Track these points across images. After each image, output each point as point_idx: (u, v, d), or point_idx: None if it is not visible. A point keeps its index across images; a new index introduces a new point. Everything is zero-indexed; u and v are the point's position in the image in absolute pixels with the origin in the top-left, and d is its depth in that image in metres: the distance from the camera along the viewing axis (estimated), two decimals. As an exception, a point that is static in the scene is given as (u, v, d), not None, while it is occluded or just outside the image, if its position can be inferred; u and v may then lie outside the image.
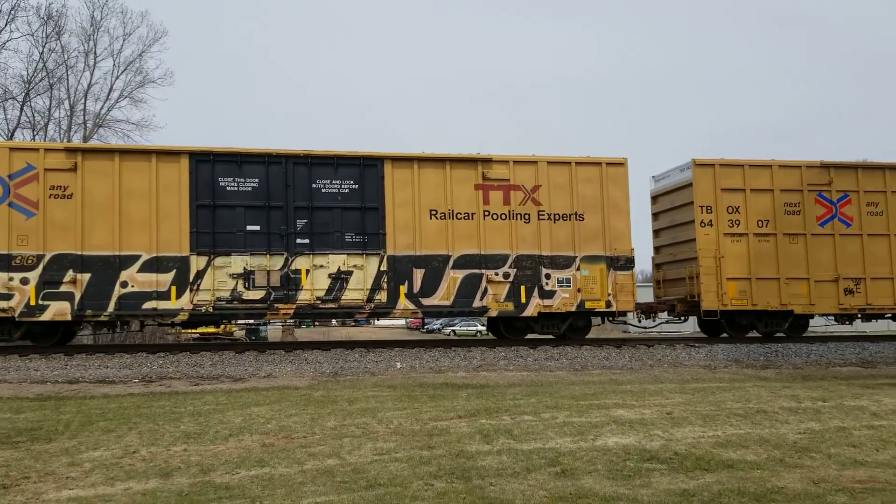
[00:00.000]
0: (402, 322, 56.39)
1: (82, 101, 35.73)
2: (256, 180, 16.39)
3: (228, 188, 16.29)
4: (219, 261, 16.08)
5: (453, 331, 44.94)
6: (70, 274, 15.49)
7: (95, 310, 15.59)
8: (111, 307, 15.63)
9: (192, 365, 15.23)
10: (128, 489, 6.12)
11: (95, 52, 35.80)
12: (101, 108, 36.09)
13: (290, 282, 16.36)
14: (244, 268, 16.19)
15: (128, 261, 15.74)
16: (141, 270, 15.77)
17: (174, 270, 15.88)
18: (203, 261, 16.04)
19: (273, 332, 39.59)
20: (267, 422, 9.05)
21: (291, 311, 16.46)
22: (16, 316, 15.35)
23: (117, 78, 36.35)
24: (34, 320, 15.57)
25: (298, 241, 16.47)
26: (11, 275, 15.31)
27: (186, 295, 15.89)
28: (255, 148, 16.52)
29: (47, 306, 15.43)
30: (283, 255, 16.37)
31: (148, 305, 15.79)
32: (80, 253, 15.55)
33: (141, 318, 16.34)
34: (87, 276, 15.57)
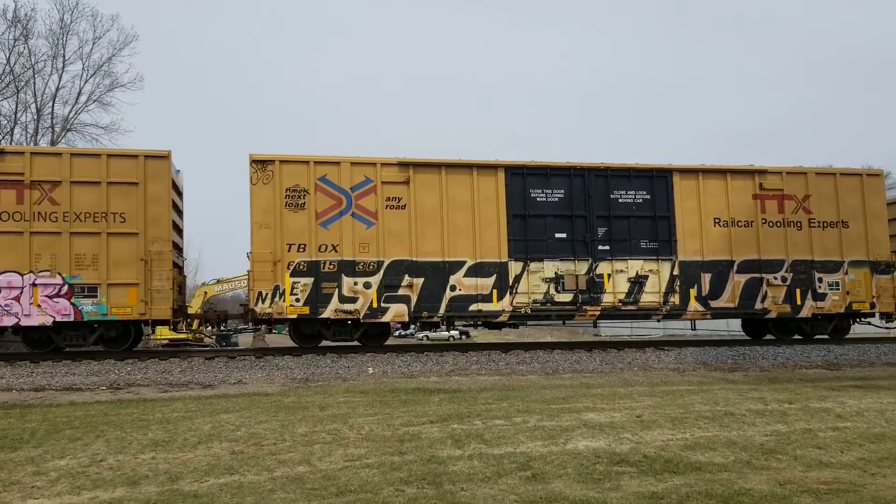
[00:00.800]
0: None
1: (50, 104, 35.25)
2: (562, 191, 17.91)
3: (538, 199, 17.79)
4: (533, 266, 17.59)
5: (426, 335, 44.89)
6: (406, 278, 16.95)
7: (429, 311, 17.11)
8: (442, 309, 17.13)
9: (160, 372, 15.07)
10: (94, 498, 6.04)
11: (64, 56, 35.32)
12: (70, 112, 35.61)
13: (595, 285, 17.84)
14: (555, 272, 17.67)
15: (455, 266, 17.25)
16: (466, 275, 17.28)
17: (495, 275, 17.38)
18: (519, 266, 17.53)
19: (244, 338, 39.26)
20: (236, 429, 8.98)
21: (598, 313, 17.88)
22: (360, 318, 16.77)
23: (86, 82, 35.87)
24: (376, 321, 17.01)
25: (600, 247, 17.95)
26: (356, 279, 16.78)
27: (507, 297, 17.39)
28: (560, 162, 18.11)
29: (388, 308, 16.90)
30: (587, 260, 17.87)
31: (473, 307, 17.28)
32: (413, 259, 17.04)
33: (468, 319, 17.84)
34: (420, 280, 17.04)
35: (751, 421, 9.28)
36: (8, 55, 33.60)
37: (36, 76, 34.68)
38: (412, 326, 18.17)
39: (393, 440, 8.14)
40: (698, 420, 9.30)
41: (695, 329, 20.15)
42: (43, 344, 16.47)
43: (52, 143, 34.39)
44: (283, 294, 16.42)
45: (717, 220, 18.61)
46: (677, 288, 18.15)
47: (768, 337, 20.26)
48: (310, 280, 16.52)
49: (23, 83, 34.19)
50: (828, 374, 15.77)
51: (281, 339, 42.79)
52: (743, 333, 22.11)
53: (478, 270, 17.24)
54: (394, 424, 9.11)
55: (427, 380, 14.50)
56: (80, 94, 35.76)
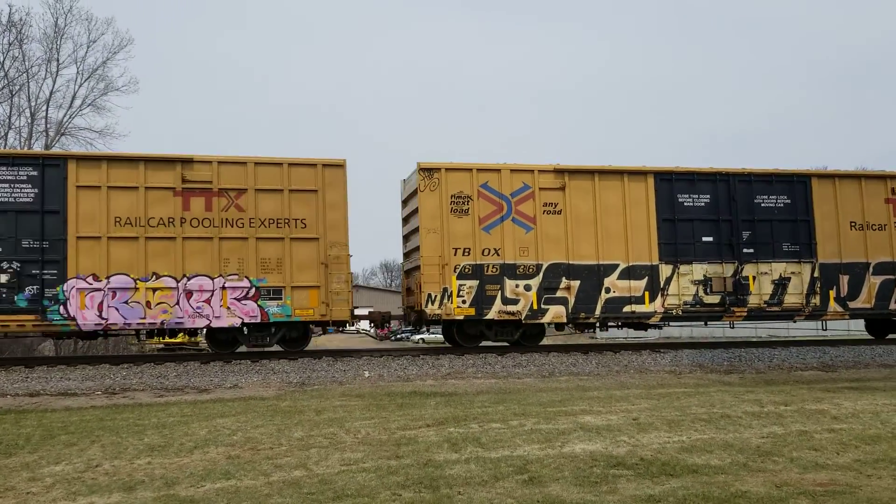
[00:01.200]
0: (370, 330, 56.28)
1: (44, 108, 35.17)
2: (708, 196, 18.53)
3: (685, 204, 18.41)
4: (682, 269, 18.19)
5: (422, 339, 44.88)
6: (564, 281, 17.61)
7: (586, 313, 17.72)
8: (598, 311, 17.75)
9: (156, 376, 15.03)
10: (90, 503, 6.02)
11: (58, 60, 35.25)
12: (64, 116, 35.55)
13: (741, 287, 18.38)
14: (703, 275, 18.27)
15: (609, 269, 17.85)
16: (619, 277, 17.86)
17: (646, 278, 17.97)
18: (669, 269, 18.14)
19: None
20: (233, 433, 8.96)
21: (745, 314, 18.46)
22: (522, 318, 17.38)
23: (80, 85, 35.82)
24: (536, 322, 17.67)
25: (745, 250, 18.52)
26: (517, 282, 17.41)
27: (658, 299, 17.98)
28: (706, 168, 18.77)
29: (547, 310, 17.52)
30: (733, 263, 18.43)
31: (627, 309, 17.87)
32: (569, 262, 17.66)
33: (622, 320, 18.32)
34: (576, 283, 17.66)
35: (747, 423, 9.29)
36: (2, 59, 33.57)
37: (30, 80, 34.66)
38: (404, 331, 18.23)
39: (389, 444, 8.13)
40: (695, 422, 9.31)
41: (825, 329, 20.69)
42: (228, 344, 17.10)
43: (47, 147, 34.31)
44: (450, 296, 17.12)
45: (853, 224, 19.20)
46: (818, 289, 18.76)
47: (890, 336, 20.76)
48: (475, 283, 17.25)
49: (17, 87, 34.15)
50: (823, 375, 15.81)
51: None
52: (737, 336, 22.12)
53: (630, 273, 17.89)
54: (390, 428, 9.10)
55: (423, 383, 14.50)
56: (74, 97, 35.71)
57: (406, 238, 19.63)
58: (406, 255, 19.67)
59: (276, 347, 17.10)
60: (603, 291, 17.71)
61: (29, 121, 34.75)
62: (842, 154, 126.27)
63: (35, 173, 15.50)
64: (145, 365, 15.83)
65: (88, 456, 7.79)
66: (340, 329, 17.84)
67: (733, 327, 20.14)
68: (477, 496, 6.00)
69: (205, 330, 16.90)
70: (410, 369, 15.91)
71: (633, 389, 13.15)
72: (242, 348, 17.12)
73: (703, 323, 19.35)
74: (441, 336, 44.93)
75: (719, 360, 17.61)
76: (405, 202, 19.49)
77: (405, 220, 19.63)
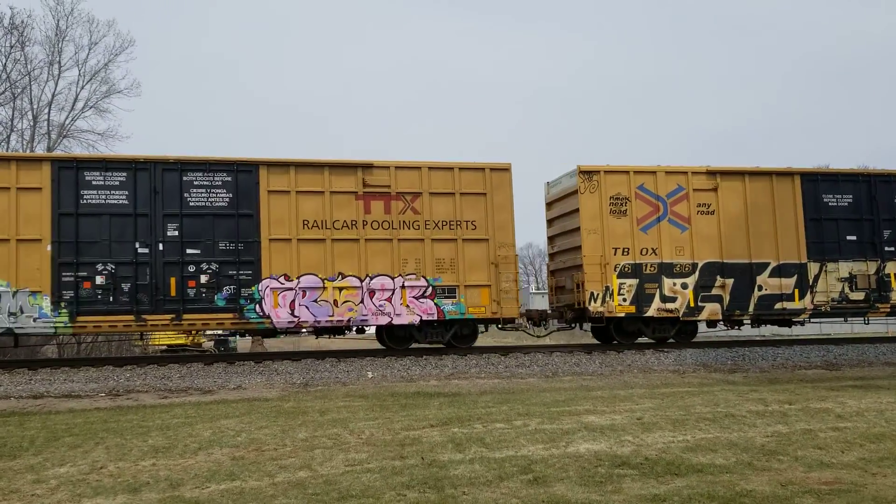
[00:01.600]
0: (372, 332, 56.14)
1: (46, 111, 35.19)
2: (850, 196, 19.24)
3: (830, 204, 19.14)
4: (829, 266, 18.89)
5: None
6: (718, 279, 18.23)
7: (741, 310, 18.34)
8: (751, 308, 18.37)
9: (160, 378, 15.03)
10: (95, 506, 6.02)
11: (60, 62, 35.25)
12: (66, 119, 35.55)
13: (883, 284, 19.20)
14: (849, 272, 18.98)
15: (760, 268, 18.50)
16: (770, 276, 18.53)
17: (795, 275, 18.64)
18: (816, 267, 18.86)
19: (242, 343, 39.16)
20: (237, 434, 8.96)
21: (888, 310, 19.27)
22: (679, 315, 18.03)
23: (82, 88, 35.77)
24: (693, 319, 18.37)
25: (886, 248, 19.30)
26: (674, 280, 18.06)
27: (808, 296, 18.67)
28: (849, 168, 20.06)
29: (703, 307, 18.19)
30: (875, 261, 19.20)
31: (778, 306, 18.53)
32: (723, 261, 18.32)
33: (774, 317, 18.92)
34: (730, 281, 18.29)
35: (751, 422, 9.28)
36: (4, 62, 33.60)
37: (32, 83, 34.67)
38: None
39: (394, 444, 8.13)
40: (699, 422, 9.30)
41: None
42: (404, 341, 17.86)
43: (49, 149, 34.35)
44: (611, 294, 17.78)
45: None
46: None
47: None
48: (634, 281, 17.91)
49: (19, 90, 34.17)
50: (827, 374, 15.79)
51: (279, 343, 42.74)
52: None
53: (781, 271, 18.57)
54: (394, 429, 9.10)
55: (427, 383, 14.49)
56: (76, 100, 35.71)
57: (552, 239, 20.25)
58: (552, 256, 20.35)
59: (279, 347, 17.07)
60: (756, 289, 18.39)
61: (31, 123, 34.78)
62: (831, 151, 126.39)
63: (229, 179, 16.41)
64: (149, 366, 15.84)
65: (93, 458, 7.79)
66: (506, 326, 18.32)
67: (868, 323, 21.04)
68: (482, 496, 6.00)
69: (376, 327, 17.87)
70: (414, 370, 15.91)
71: (636, 389, 13.14)
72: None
73: (843, 319, 20.68)
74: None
75: (723, 359, 17.59)
76: (550, 204, 20.20)
77: (551, 223, 20.22)
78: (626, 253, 17.91)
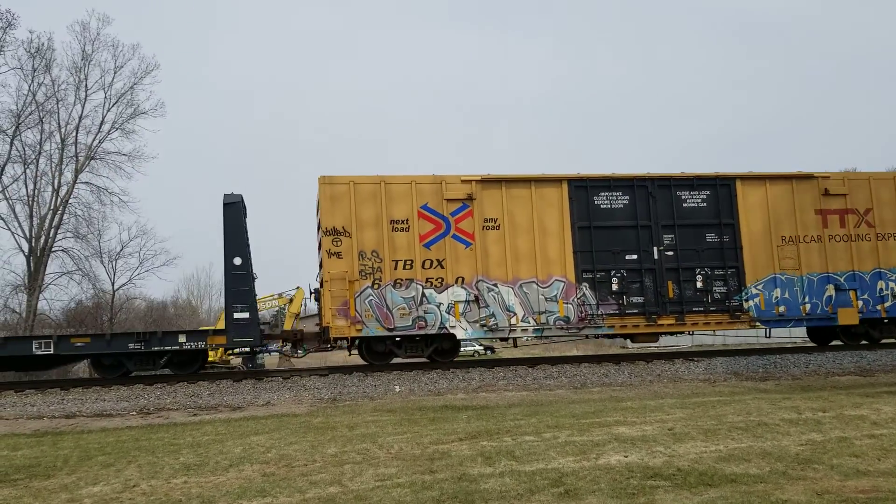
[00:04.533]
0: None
1: (73, 133, 35.79)
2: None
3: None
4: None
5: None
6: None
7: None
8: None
9: (189, 395, 15.16)
10: (129, 524, 6.07)
11: (87, 85, 35.92)
12: (93, 141, 36.14)
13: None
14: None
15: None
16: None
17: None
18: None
19: (270, 359, 39.34)
20: (267, 450, 9.00)
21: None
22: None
23: (108, 110, 36.46)
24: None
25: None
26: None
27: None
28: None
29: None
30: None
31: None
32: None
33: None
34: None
35: (785, 430, 9.15)
36: (30, 85, 34.23)
37: (59, 106, 35.31)
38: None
39: (423, 459, 8.11)
40: (731, 431, 9.18)
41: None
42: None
43: (76, 172, 34.90)
44: None
45: None
46: None
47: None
48: None
49: (45, 113, 34.80)
50: (861, 380, 15.53)
51: (308, 359, 42.83)
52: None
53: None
54: (423, 443, 9.09)
55: (454, 397, 14.46)
56: (102, 122, 36.33)
57: None
58: None
59: (306, 363, 17.14)
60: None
61: (59, 146, 35.40)
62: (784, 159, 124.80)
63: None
64: (178, 384, 15.98)
65: (126, 476, 7.86)
66: None
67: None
68: (513, 510, 5.96)
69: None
70: (441, 383, 15.89)
71: (667, 399, 13.01)
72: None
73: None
74: (473, 349, 44.67)
75: (754, 366, 17.37)
76: None
77: None
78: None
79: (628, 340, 18.86)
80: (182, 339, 16.77)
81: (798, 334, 24.82)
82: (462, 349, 45.38)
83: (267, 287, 61.74)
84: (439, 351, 17.75)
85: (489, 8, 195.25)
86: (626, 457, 7.83)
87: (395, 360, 17.86)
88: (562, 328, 17.46)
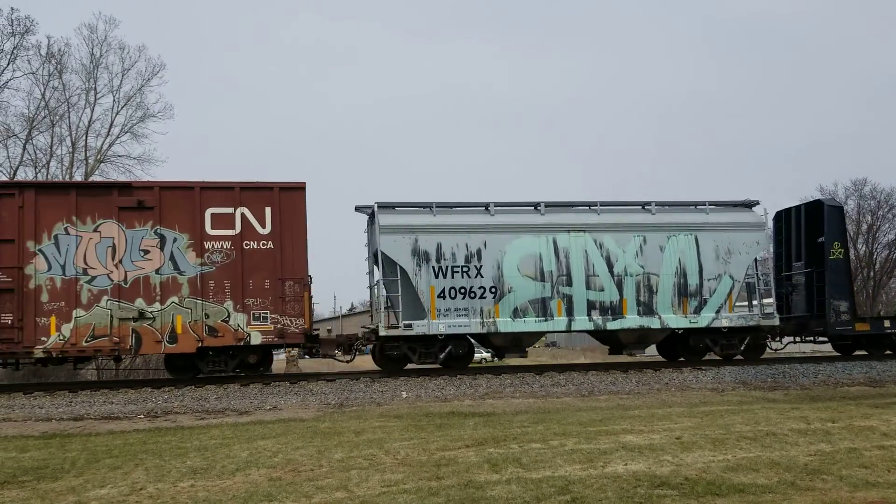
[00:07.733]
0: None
1: (83, 137, 35.96)
2: None
3: None
4: None
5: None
6: None
7: None
8: None
9: (197, 399, 15.18)
10: (135, 527, 6.08)
11: (96, 89, 36.07)
12: (103, 144, 36.31)
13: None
14: None
15: None
16: None
17: None
18: None
19: (277, 363, 39.30)
20: (273, 455, 9.00)
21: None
22: None
23: (117, 113, 36.58)
24: None
25: None
26: None
27: None
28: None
29: None
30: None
31: None
32: None
33: None
34: None
35: (793, 441, 9.10)
36: (43, 90, 34.44)
37: (70, 110, 35.49)
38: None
39: (429, 465, 8.09)
40: (739, 441, 9.13)
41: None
42: None
43: (86, 175, 35.05)
44: None
45: None
46: None
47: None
48: None
49: (57, 117, 35.00)
50: (870, 390, 15.44)
51: (315, 364, 42.84)
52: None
53: None
54: (430, 449, 9.07)
55: (461, 403, 14.44)
56: (112, 125, 36.48)
57: None
58: None
59: (313, 368, 17.12)
60: None
61: (70, 149, 35.59)
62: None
63: None
64: (186, 388, 16.01)
65: (133, 479, 7.87)
66: None
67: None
68: (519, 517, 5.94)
69: None
70: (448, 389, 15.87)
71: (675, 408, 12.96)
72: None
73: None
74: (481, 356, 44.73)
75: (763, 376, 17.28)
76: None
77: None
78: None
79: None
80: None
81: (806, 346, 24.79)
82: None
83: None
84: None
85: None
86: (633, 465, 7.80)
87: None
88: None
